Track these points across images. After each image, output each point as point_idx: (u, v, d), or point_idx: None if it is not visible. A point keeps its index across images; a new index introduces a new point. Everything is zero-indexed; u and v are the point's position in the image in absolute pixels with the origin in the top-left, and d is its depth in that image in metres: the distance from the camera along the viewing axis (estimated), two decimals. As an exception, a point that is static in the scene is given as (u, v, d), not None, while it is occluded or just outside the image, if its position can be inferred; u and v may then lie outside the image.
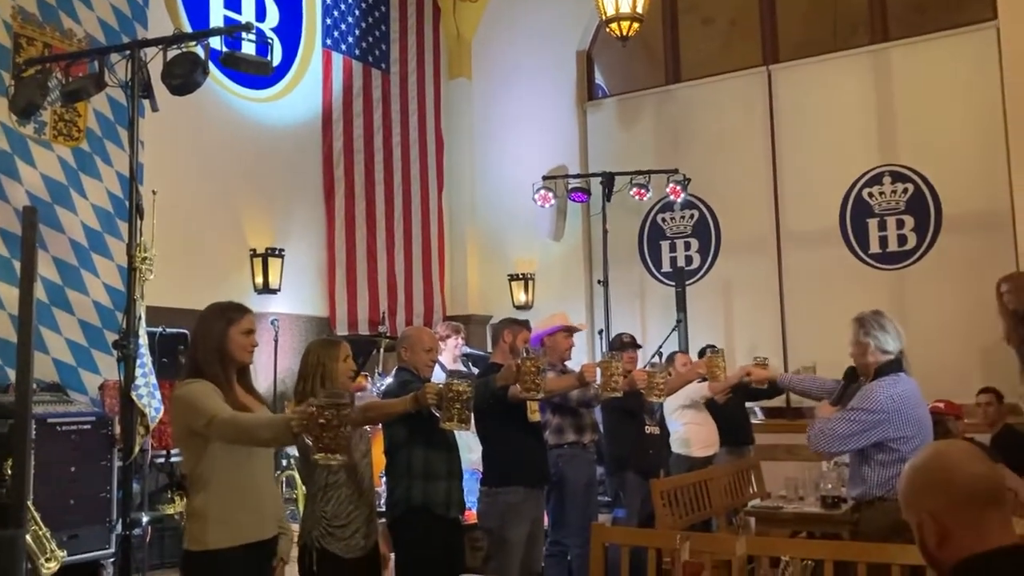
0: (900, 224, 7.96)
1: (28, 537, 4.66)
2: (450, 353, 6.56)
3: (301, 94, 8.44)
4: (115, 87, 4.68)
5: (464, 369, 6.61)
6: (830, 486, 5.06)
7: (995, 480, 1.72)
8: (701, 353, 7.00)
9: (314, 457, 2.79)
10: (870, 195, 8.08)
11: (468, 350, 7.08)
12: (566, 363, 5.43)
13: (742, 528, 5.27)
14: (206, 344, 3.17)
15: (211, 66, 4.68)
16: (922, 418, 3.81)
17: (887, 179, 8.02)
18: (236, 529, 3.06)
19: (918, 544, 1.72)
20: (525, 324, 4.96)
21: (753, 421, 7.63)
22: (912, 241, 7.90)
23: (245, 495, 3.11)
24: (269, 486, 3.31)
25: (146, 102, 4.59)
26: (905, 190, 7.94)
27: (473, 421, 4.44)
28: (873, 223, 8.06)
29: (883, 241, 8.02)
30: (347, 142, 8.78)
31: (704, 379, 6.23)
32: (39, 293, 5.34)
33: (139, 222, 4.40)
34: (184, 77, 4.53)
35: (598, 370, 4.68)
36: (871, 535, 3.52)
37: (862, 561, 3.28)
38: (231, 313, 3.22)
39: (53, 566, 4.86)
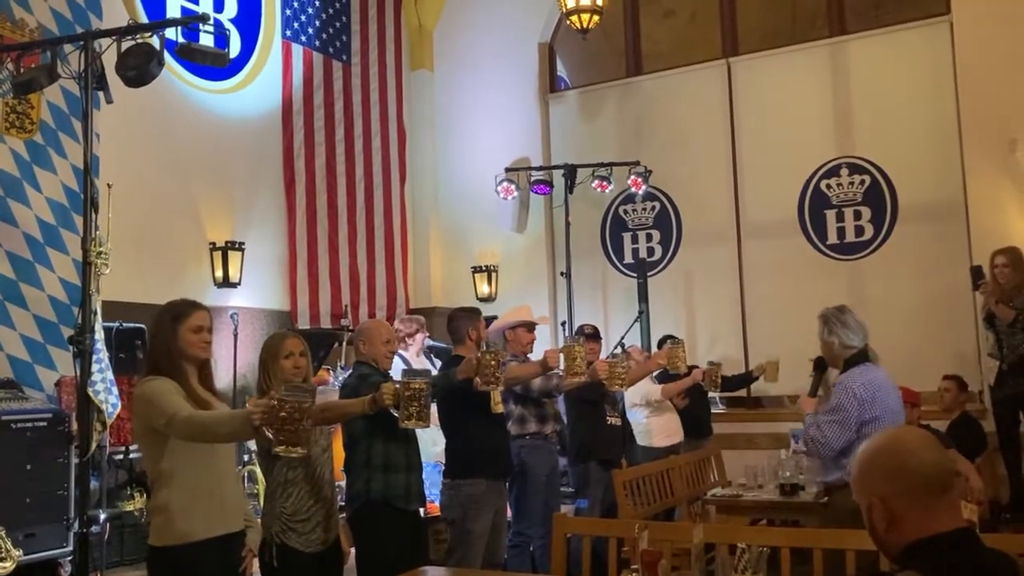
0: (857, 215, 8.08)
1: (-18, 537, 4.58)
2: (416, 348, 6.55)
3: (261, 86, 8.35)
4: (69, 78, 4.59)
5: (427, 364, 6.60)
6: (788, 474, 5.14)
7: (946, 467, 1.75)
8: (660, 344, 7.08)
9: (275, 450, 2.80)
10: (828, 187, 8.19)
11: (431, 343, 7.07)
12: (528, 356, 5.46)
13: (702, 516, 5.33)
14: (159, 344, 3.19)
15: (168, 57, 4.61)
16: (893, 403, 3.95)
17: (844, 171, 8.13)
18: (202, 523, 3.07)
19: (867, 527, 1.76)
20: (476, 312, 4.95)
21: (713, 411, 7.71)
22: (869, 232, 8.02)
23: (210, 489, 3.11)
24: (232, 480, 3.32)
25: (100, 94, 4.52)
26: (862, 182, 8.06)
27: (436, 414, 4.45)
28: (831, 214, 8.17)
29: (841, 232, 8.13)
30: (308, 134, 8.70)
31: (665, 370, 6.30)
32: (-8, 288, 5.24)
33: (94, 216, 4.33)
34: (139, 69, 4.45)
35: (560, 356, 4.70)
36: (843, 519, 3.57)
37: (818, 547, 3.34)
38: (179, 309, 3.23)
39: (8, 566, 4.77)
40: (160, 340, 3.19)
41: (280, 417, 2.72)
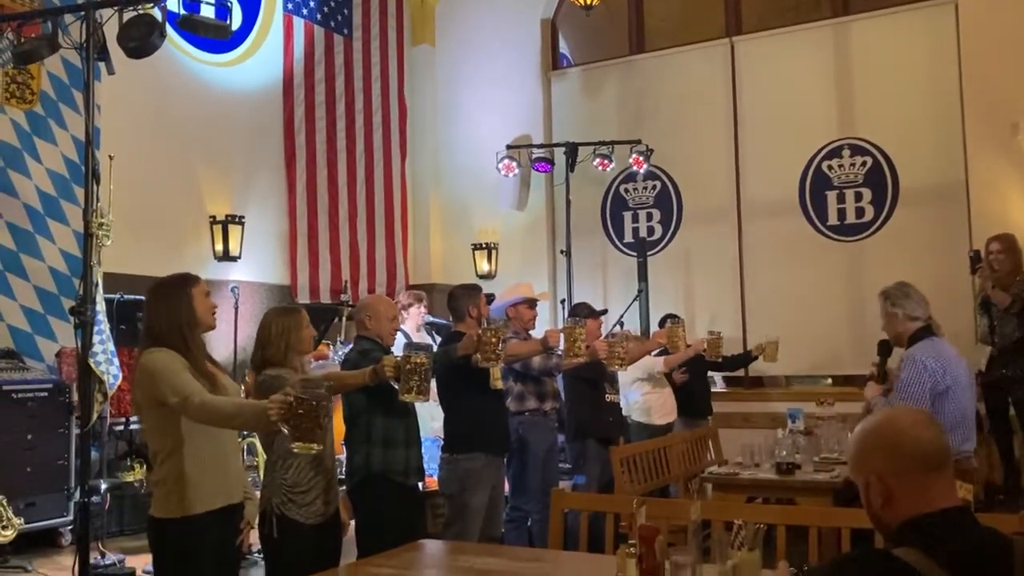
0: (858, 197, 8.07)
1: (-16, 505, 4.62)
2: (413, 322, 6.56)
3: (261, 59, 8.31)
4: (69, 49, 4.58)
5: (428, 338, 6.62)
6: (785, 453, 5.17)
7: (942, 446, 1.77)
8: (662, 323, 7.10)
9: (290, 446, 2.79)
10: (829, 168, 8.18)
11: (431, 319, 7.09)
12: (530, 332, 5.48)
13: (699, 494, 5.36)
14: (168, 314, 3.11)
15: (169, 29, 4.60)
16: (963, 376, 3.96)
17: (846, 152, 8.11)
18: (207, 495, 3.06)
19: (864, 504, 1.77)
20: (477, 289, 4.94)
21: (712, 390, 7.75)
22: (870, 214, 8.02)
23: (215, 461, 3.11)
24: (235, 451, 3.32)
25: (102, 65, 4.50)
26: (864, 163, 8.05)
27: (435, 389, 4.48)
28: (832, 195, 8.16)
29: (841, 213, 8.13)
30: (309, 108, 8.68)
31: (664, 349, 6.32)
32: (-7, 259, 5.24)
33: (96, 187, 4.34)
34: (140, 40, 4.44)
35: (561, 336, 4.71)
36: None
37: (813, 525, 3.37)
38: (186, 276, 3.20)
39: (10, 533, 4.82)
40: (170, 309, 3.10)
41: (297, 414, 2.71)
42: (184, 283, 3.16)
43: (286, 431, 2.77)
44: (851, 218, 8.09)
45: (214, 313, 3.24)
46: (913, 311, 3.98)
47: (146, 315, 3.18)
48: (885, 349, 4.16)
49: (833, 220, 8.15)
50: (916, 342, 3.94)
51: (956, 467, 3.72)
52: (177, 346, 3.06)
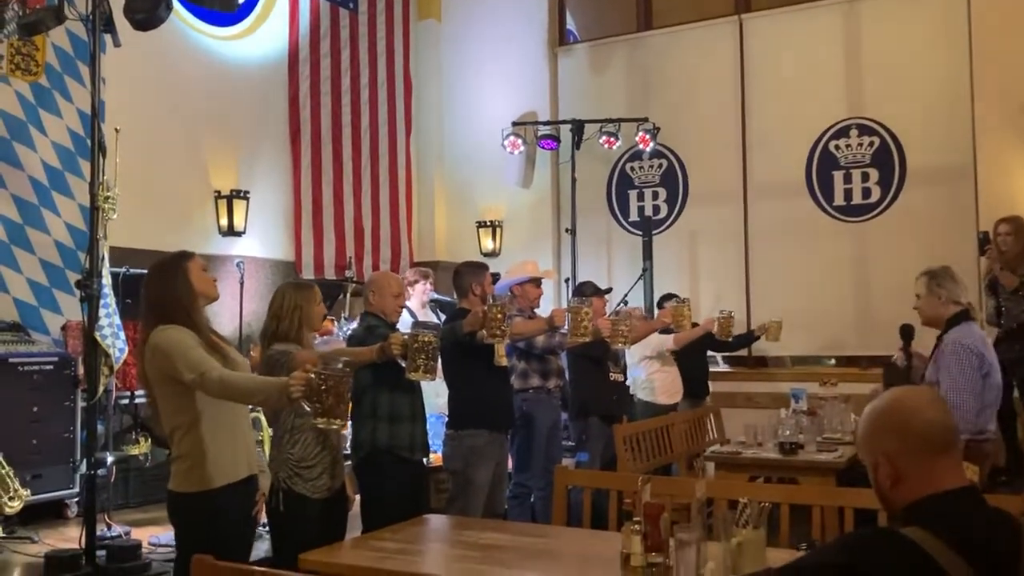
0: (865, 177, 8.04)
1: (-9, 476, 4.65)
2: (418, 299, 6.56)
3: (267, 33, 8.27)
4: (75, 20, 4.56)
5: (432, 317, 6.62)
6: (788, 433, 5.18)
7: (949, 426, 1.78)
8: (660, 303, 7.10)
9: (314, 422, 2.85)
10: (837, 148, 8.14)
11: (436, 296, 7.09)
12: (535, 310, 5.49)
13: (701, 472, 5.38)
14: (169, 291, 3.14)
15: (175, 2, 4.57)
16: (995, 359, 3.99)
17: (854, 132, 8.07)
18: (230, 467, 3.08)
19: (872, 484, 1.78)
20: (482, 267, 4.92)
21: (714, 369, 7.76)
22: (876, 194, 7.98)
23: (232, 434, 3.13)
24: (247, 424, 3.34)
25: (108, 37, 4.48)
26: (871, 143, 8.01)
27: (440, 365, 4.49)
28: (839, 176, 8.13)
29: (848, 194, 8.10)
30: (314, 83, 8.64)
31: (669, 329, 6.32)
32: (-2, 231, 5.24)
33: (102, 160, 4.33)
34: (147, 12, 4.43)
35: (567, 316, 4.72)
36: None
37: (817, 504, 3.38)
38: (181, 253, 3.24)
39: (17, 505, 4.85)
40: (169, 287, 3.13)
41: (320, 391, 2.76)
42: (178, 260, 3.20)
43: (308, 408, 2.82)
44: (857, 199, 8.06)
45: (214, 283, 3.27)
46: (957, 295, 3.99)
47: (146, 297, 3.20)
48: (908, 333, 4.14)
49: (839, 201, 8.12)
50: (953, 326, 3.94)
51: (977, 449, 3.72)
52: (184, 322, 3.08)
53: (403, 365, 3.67)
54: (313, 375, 2.76)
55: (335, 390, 2.76)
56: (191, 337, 3.04)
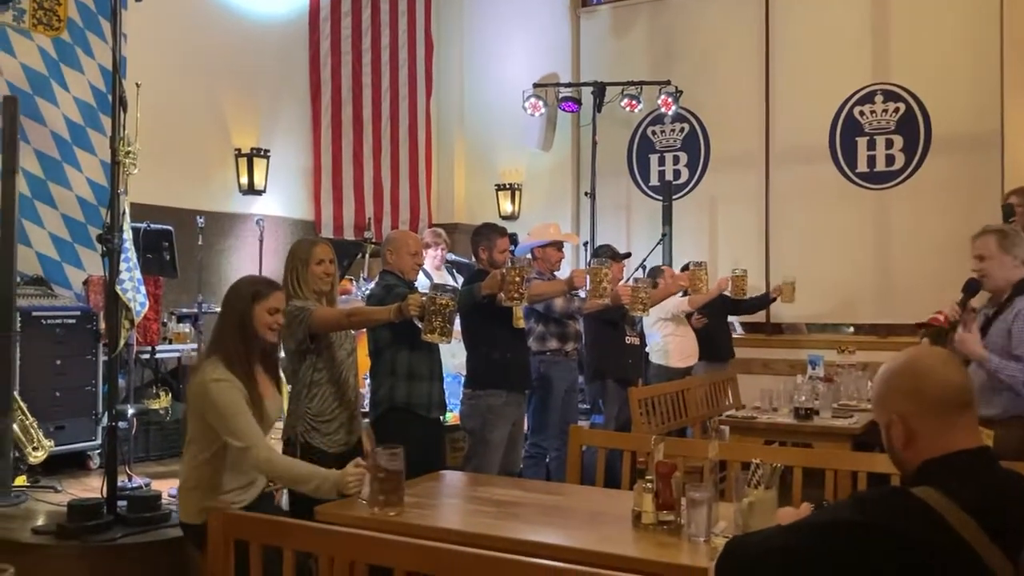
0: (889, 144, 7.94)
1: (15, 426, 4.73)
2: (431, 261, 6.57)
3: (288, -10, 8.22)
4: (97, -26, 4.55)
5: (449, 278, 6.63)
6: (803, 399, 5.18)
7: (965, 387, 1.77)
8: (684, 268, 7.07)
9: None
10: (861, 113, 8.03)
11: (453, 257, 7.10)
12: (555, 273, 5.49)
13: (716, 434, 5.40)
14: (230, 319, 3.22)
15: (196, -44, 4.55)
16: None
17: (879, 98, 7.96)
18: (239, 496, 3.22)
19: (885, 443, 1.78)
20: (495, 231, 4.81)
21: (732, 336, 7.73)
22: (900, 161, 7.89)
23: (248, 475, 3.27)
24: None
25: (129, -9, 4.47)
26: (896, 110, 7.90)
27: (458, 326, 4.51)
28: (862, 142, 8.03)
29: (871, 160, 8.01)
30: (335, 43, 8.60)
31: (686, 292, 6.31)
32: (21, 187, 5.27)
33: (123, 115, 4.34)
34: (168, -34, 4.40)
35: (587, 277, 4.71)
36: (1008, 454, 3.10)
37: (830, 468, 3.39)
38: (258, 287, 3.27)
39: (41, 455, 4.95)
40: (231, 314, 3.23)
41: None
42: (249, 292, 3.25)
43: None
44: (881, 165, 7.97)
45: (276, 329, 3.29)
46: None
47: (219, 315, 3.38)
48: (972, 288, 3.84)
49: (863, 167, 8.03)
50: (1022, 291, 3.70)
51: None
52: (236, 352, 3.16)
53: (419, 326, 3.69)
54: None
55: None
56: (241, 397, 3.09)
